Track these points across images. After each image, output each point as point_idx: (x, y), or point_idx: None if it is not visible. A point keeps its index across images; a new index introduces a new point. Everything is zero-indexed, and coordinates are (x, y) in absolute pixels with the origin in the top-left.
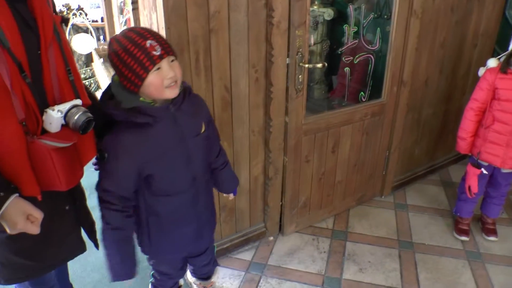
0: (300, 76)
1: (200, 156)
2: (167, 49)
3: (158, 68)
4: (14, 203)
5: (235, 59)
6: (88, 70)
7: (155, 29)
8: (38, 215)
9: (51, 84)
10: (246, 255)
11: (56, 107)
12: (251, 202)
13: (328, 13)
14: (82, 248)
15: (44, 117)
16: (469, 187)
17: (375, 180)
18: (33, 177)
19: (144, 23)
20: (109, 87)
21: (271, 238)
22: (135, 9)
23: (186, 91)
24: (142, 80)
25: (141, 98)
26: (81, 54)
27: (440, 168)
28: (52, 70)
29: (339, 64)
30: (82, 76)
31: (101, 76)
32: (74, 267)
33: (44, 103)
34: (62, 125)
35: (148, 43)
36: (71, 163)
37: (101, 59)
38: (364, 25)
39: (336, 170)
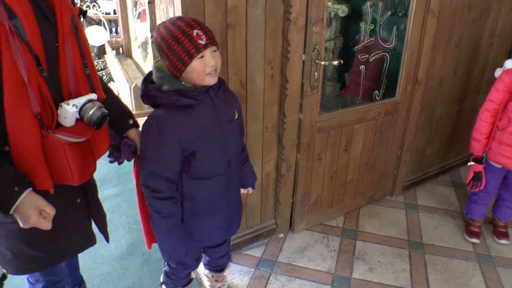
0: (315, 73)
1: (234, 141)
2: (212, 39)
3: (202, 56)
4: (28, 197)
5: (251, 55)
6: (100, 62)
7: None
8: (51, 210)
9: (67, 77)
10: (256, 251)
11: (71, 101)
12: (262, 198)
13: (342, 10)
14: (92, 241)
15: (59, 111)
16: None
17: (386, 179)
18: (47, 171)
19: (160, 17)
20: (150, 73)
21: (281, 235)
22: (151, 3)
23: (221, 81)
24: (186, 65)
25: (183, 82)
26: (94, 46)
27: (452, 169)
28: (69, 63)
29: (352, 61)
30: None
31: (114, 68)
32: (84, 259)
33: (59, 96)
34: (77, 119)
35: (195, 32)
36: (85, 158)
37: (114, 51)
38: (381, 23)
39: (348, 168)
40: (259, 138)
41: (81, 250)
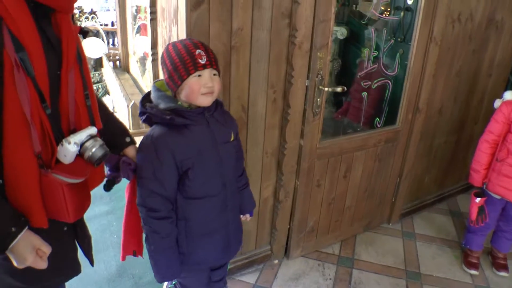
0: (318, 99)
1: (230, 163)
2: (213, 62)
3: (199, 75)
4: (25, 237)
5: (254, 78)
6: (97, 75)
7: None
8: (47, 249)
9: (68, 108)
10: (250, 277)
11: (72, 139)
12: (259, 224)
13: (341, 32)
14: (78, 270)
15: (59, 149)
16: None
17: (384, 206)
18: (43, 209)
19: (162, 35)
20: (149, 93)
21: (276, 261)
22: (153, 19)
23: (218, 103)
24: (182, 80)
25: (179, 103)
26: (90, 58)
27: (449, 197)
28: (70, 94)
29: (350, 85)
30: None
31: (111, 82)
32: (71, 281)
33: (59, 130)
34: (76, 155)
35: (198, 51)
36: (81, 195)
37: (111, 63)
38: (384, 50)
39: (347, 195)
40: (258, 163)
41: (67, 280)
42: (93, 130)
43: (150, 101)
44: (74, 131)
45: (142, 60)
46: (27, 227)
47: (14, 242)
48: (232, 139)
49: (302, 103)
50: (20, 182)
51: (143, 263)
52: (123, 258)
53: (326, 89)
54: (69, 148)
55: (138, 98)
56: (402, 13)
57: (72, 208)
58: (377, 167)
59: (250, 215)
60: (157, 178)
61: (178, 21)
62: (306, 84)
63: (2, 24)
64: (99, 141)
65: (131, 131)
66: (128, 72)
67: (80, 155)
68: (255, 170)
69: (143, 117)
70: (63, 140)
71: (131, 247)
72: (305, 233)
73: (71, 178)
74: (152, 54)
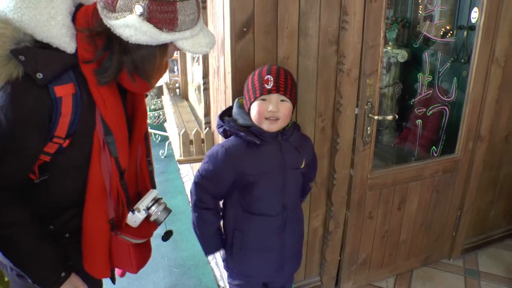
0: (368, 128)
1: (294, 187)
2: (281, 88)
3: (264, 99)
4: (70, 280)
5: (302, 107)
6: (159, 102)
7: (221, 72)
8: None
9: (135, 177)
10: None
11: (141, 205)
12: (307, 254)
13: (402, 55)
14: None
15: (129, 216)
16: None
17: (444, 241)
18: (108, 263)
19: (212, 65)
20: (229, 108)
21: None
22: None
23: (296, 127)
24: (250, 103)
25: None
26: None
27: None
28: (138, 163)
29: (410, 110)
30: (153, 107)
31: (167, 109)
32: None
33: (127, 195)
34: None
35: (267, 77)
36: (144, 251)
37: (171, 94)
38: (440, 74)
39: (401, 228)
40: None
41: None
42: (155, 193)
43: (229, 116)
44: (139, 195)
45: (199, 88)
46: (73, 272)
47: (63, 285)
48: (302, 166)
49: (351, 132)
50: (94, 240)
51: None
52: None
53: (376, 117)
54: (139, 216)
55: (193, 125)
56: (465, 33)
57: (136, 262)
58: (435, 199)
59: None
60: (212, 180)
61: (225, 51)
62: (356, 112)
63: (95, 108)
64: (162, 203)
65: (181, 158)
66: (187, 99)
67: (146, 217)
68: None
69: (220, 130)
70: (134, 209)
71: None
72: (357, 266)
73: (138, 239)
74: (203, 84)
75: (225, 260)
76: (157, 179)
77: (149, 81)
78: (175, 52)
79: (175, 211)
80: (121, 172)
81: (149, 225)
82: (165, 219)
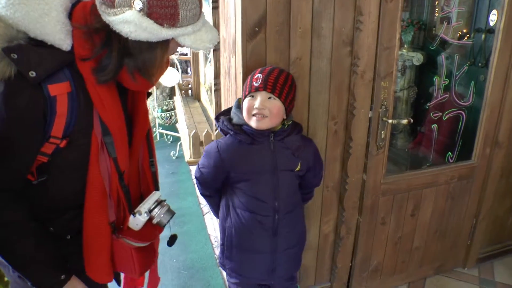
0: (382, 132)
1: (286, 192)
2: (268, 86)
3: (252, 96)
4: (71, 283)
5: (314, 110)
6: (171, 102)
7: (232, 73)
8: None
9: (137, 178)
10: None
11: (142, 208)
12: (318, 259)
13: (417, 58)
14: None
15: (131, 219)
16: None
17: (458, 249)
18: (110, 268)
19: (223, 65)
20: (229, 108)
21: None
22: (216, 50)
23: (296, 127)
24: (243, 100)
25: None
26: (166, 86)
27: None
28: (140, 165)
29: (425, 114)
30: (165, 107)
31: (179, 110)
32: None
33: (128, 197)
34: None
35: (257, 75)
36: (148, 254)
37: (183, 94)
38: (457, 78)
39: (415, 235)
40: (318, 197)
41: None
42: (158, 195)
43: (227, 115)
44: (141, 197)
45: (211, 89)
46: (73, 275)
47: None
48: (297, 168)
49: (365, 136)
50: (94, 243)
51: None
52: None
53: (390, 121)
54: (140, 219)
55: (204, 126)
56: (483, 36)
57: (139, 267)
58: (450, 206)
59: None
60: (207, 174)
61: (236, 51)
62: (370, 116)
63: (93, 108)
64: (166, 205)
65: (191, 159)
66: (199, 100)
67: (149, 220)
68: (315, 204)
69: (219, 129)
70: (135, 212)
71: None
72: (368, 272)
73: (140, 242)
74: (214, 84)
75: (219, 256)
76: (167, 180)
77: (150, 79)
78: (178, 48)
79: (185, 213)
80: (120, 174)
81: (152, 228)
82: (168, 221)
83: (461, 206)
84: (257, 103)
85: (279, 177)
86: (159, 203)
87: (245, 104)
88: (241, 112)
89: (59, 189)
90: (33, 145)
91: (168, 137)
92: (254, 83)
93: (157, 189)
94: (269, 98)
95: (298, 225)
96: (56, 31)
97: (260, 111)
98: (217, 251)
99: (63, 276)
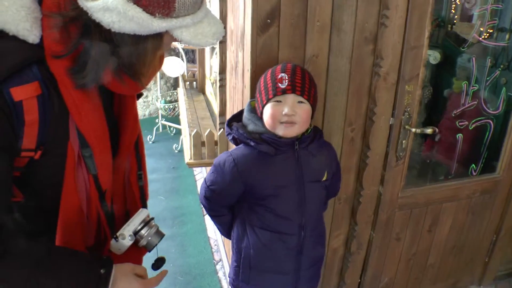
0: (404, 141)
1: (314, 204)
2: (297, 87)
3: (279, 101)
4: (118, 271)
5: (330, 113)
6: (175, 93)
7: (240, 69)
8: (141, 270)
9: (122, 192)
10: None
11: (126, 231)
12: (325, 274)
13: (434, 56)
14: None
15: (113, 243)
16: None
17: (475, 266)
18: None
19: (230, 59)
20: (240, 111)
21: None
22: (222, 43)
23: (317, 133)
24: (263, 105)
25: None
26: (170, 77)
27: None
28: (126, 178)
29: (440, 117)
30: (168, 98)
31: (182, 104)
32: None
33: (111, 218)
34: None
35: (281, 75)
36: None
37: (187, 84)
38: (487, 83)
39: (430, 251)
40: (329, 210)
41: None
42: (145, 213)
43: (239, 121)
44: (127, 214)
45: (216, 83)
46: (113, 262)
47: (110, 283)
48: (324, 178)
49: (384, 145)
50: None
51: None
52: None
53: (414, 130)
54: (124, 243)
55: (208, 123)
56: (507, 36)
57: None
58: (469, 222)
59: None
60: (219, 192)
61: (244, 45)
62: (390, 123)
63: (69, 117)
64: (154, 226)
65: (191, 161)
66: (204, 93)
67: (134, 243)
68: (325, 216)
69: (229, 137)
70: (118, 235)
71: None
72: None
73: None
74: (220, 80)
75: (231, 277)
76: (168, 175)
77: (139, 81)
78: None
79: (185, 212)
80: (101, 192)
81: (138, 250)
82: (156, 245)
83: (481, 221)
84: (286, 108)
85: (306, 190)
86: (146, 223)
87: (269, 110)
88: (257, 118)
89: (37, 208)
90: (5, 165)
91: (171, 129)
92: (280, 84)
93: (144, 206)
94: (299, 102)
95: (321, 241)
96: (19, 19)
97: (290, 118)
98: (216, 256)
99: (102, 271)
